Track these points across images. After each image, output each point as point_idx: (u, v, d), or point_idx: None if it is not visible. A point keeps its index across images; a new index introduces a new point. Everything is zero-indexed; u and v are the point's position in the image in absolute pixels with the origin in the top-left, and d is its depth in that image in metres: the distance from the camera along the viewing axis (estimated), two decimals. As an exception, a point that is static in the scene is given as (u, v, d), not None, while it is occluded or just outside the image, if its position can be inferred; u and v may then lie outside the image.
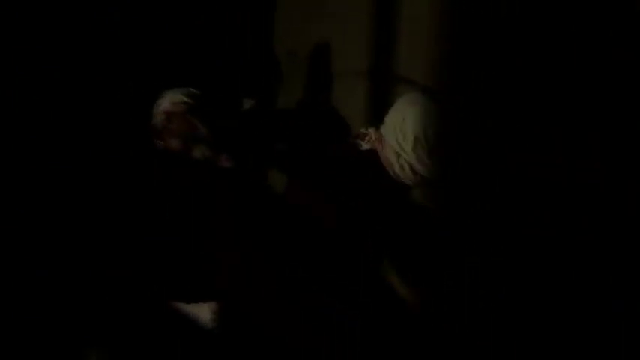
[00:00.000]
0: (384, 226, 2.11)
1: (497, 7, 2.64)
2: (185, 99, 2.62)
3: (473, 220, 2.21)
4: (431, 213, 2.20)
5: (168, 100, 2.62)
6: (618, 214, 2.35)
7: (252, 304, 2.31)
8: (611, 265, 2.33)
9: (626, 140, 2.39)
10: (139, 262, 2.62)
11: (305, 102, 3.56)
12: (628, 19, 2.41)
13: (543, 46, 2.54)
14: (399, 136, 2.09)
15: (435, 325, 2.10)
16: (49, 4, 3.16)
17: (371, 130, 2.19)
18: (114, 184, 2.74)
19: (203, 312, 2.56)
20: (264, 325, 2.26)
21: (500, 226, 2.26)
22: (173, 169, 2.68)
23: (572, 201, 2.38)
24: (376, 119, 2.25)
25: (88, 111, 3.08)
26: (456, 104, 2.20)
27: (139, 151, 2.78)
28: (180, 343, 2.57)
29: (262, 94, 3.44)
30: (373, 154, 2.16)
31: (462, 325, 2.13)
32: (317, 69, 3.55)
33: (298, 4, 3.67)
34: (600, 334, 2.28)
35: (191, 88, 2.67)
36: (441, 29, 2.88)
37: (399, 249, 2.12)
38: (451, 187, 2.19)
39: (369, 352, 2.10)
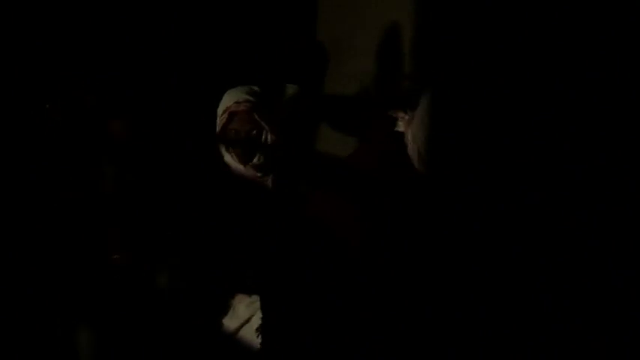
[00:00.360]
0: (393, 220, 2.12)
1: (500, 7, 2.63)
2: (249, 97, 2.58)
3: (473, 220, 2.19)
4: (436, 212, 2.19)
5: (232, 100, 2.58)
6: (618, 214, 2.34)
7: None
8: (611, 265, 2.32)
9: (626, 140, 2.37)
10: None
11: (349, 91, 3.53)
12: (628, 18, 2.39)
13: (547, 46, 2.52)
14: (417, 117, 2.13)
15: (436, 324, 2.11)
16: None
17: (408, 113, 2.21)
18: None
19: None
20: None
21: (500, 226, 2.24)
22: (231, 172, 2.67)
23: (572, 200, 2.37)
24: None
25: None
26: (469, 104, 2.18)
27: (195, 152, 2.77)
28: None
29: (308, 82, 3.40)
30: (402, 135, 2.19)
31: (462, 324, 2.13)
32: (361, 56, 3.52)
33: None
34: (601, 334, 2.28)
35: (253, 86, 2.64)
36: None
37: (402, 246, 2.13)
38: (450, 186, 2.18)
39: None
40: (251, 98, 2.58)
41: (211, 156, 2.70)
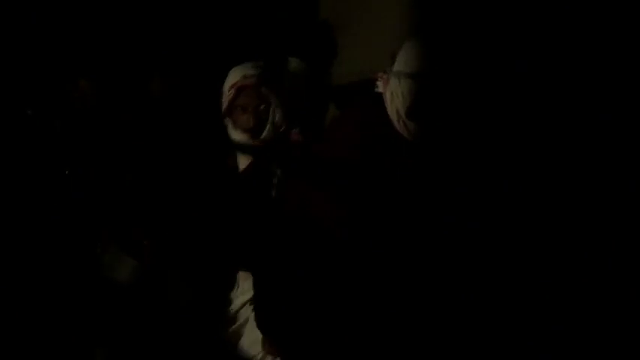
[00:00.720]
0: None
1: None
2: (256, 72, 2.56)
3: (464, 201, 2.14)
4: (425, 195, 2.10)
5: (239, 75, 2.57)
6: (618, 213, 2.34)
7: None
8: (610, 264, 2.32)
9: (626, 140, 2.37)
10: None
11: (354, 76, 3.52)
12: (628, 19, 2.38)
13: (546, 43, 2.52)
14: (393, 74, 2.06)
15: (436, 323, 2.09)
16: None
17: (386, 71, 2.14)
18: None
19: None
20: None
21: (496, 218, 2.20)
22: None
23: (572, 198, 2.36)
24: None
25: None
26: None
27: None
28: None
29: (315, 65, 3.39)
30: (380, 97, 2.12)
31: (459, 320, 2.09)
32: (364, 40, 3.51)
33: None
34: (600, 334, 2.28)
35: (258, 62, 2.63)
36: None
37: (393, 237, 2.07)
38: (439, 154, 2.11)
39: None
40: (258, 72, 2.57)
41: (216, 136, 2.70)
